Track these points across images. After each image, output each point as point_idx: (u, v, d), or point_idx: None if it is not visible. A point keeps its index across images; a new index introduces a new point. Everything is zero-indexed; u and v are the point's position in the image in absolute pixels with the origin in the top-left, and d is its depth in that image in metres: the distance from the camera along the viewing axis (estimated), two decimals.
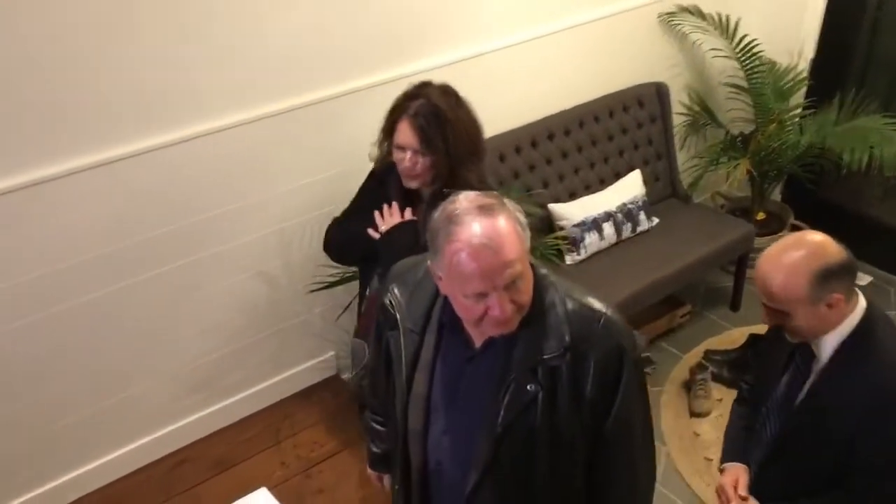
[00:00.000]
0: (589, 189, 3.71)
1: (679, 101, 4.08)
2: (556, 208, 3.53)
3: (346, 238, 2.54)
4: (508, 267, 1.51)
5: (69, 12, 2.38)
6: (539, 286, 1.64)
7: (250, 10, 2.70)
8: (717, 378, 3.51)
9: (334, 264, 3.20)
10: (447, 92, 2.34)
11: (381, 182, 2.51)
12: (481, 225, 1.51)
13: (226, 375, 3.28)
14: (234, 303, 3.16)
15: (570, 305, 1.64)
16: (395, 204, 2.41)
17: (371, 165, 2.58)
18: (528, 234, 1.58)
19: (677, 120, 4.06)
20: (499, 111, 3.37)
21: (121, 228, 2.75)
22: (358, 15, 2.95)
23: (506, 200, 1.59)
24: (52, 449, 2.95)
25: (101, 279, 2.78)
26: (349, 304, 3.28)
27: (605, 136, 3.75)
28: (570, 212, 3.52)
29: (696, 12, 3.84)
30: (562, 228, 3.50)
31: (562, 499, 1.73)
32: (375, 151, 2.50)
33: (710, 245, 3.65)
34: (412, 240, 2.30)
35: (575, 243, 3.49)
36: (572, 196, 3.64)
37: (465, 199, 1.56)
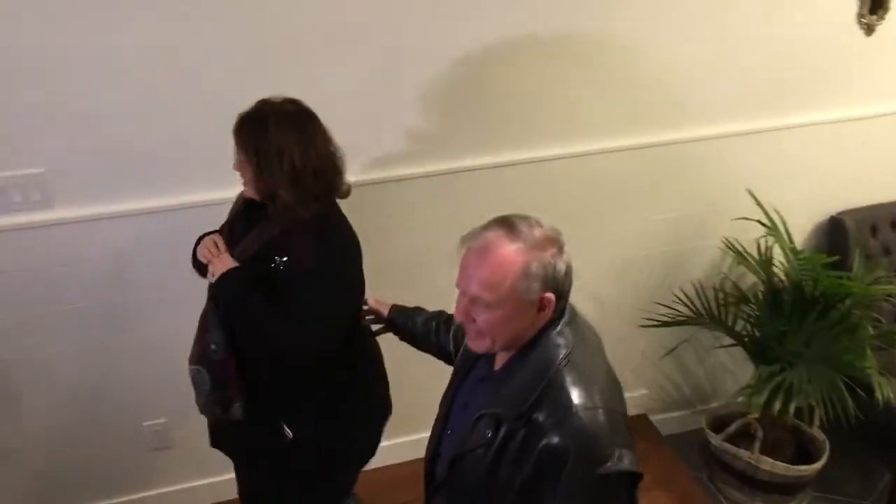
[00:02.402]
0: None
1: None
2: None
3: (193, 250, 2.36)
4: (475, 285, 1.57)
5: None
6: (542, 345, 1.62)
7: (645, 41, 2.75)
8: None
9: (670, 303, 3.14)
10: (288, 112, 2.07)
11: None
12: (492, 235, 1.58)
13: None
14: None
15: (559, 381, 1.58)
16: (218, 240, 2.24)
17: None
18: (533, 285, 1.56)
19: None
20: (877, 179, 3.09)
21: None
22: (744, 57, 2.88)
23: (548, 248, 1.59)
24: None
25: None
26: (672, 349, 3.19)
27: None
28: None
29: None
30: None
31: None
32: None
33: None
34: (238, 290, 2.12)
35: None
36: None
37: (518, 220, 1.61)
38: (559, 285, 1.62)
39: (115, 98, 2.38)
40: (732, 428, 3.18)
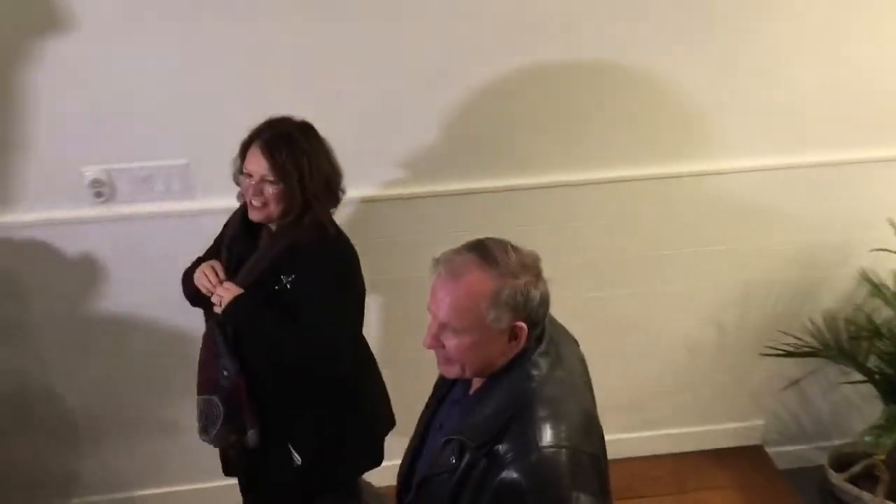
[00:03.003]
0: None
1: None
2: None
3: (184, 278, 2.32)
4: (444, 311, 1.54)
5: None
6: (513, 376, 1.59)
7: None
8: None
9: (794, 331, 3.03)
10: (306, 126, 2.15)
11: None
12: (464, 260, 1.54)
13: (650, 407, 3.28)
14: (681, 341, 3.14)
15: (526, 415, 1.54)
16: (217, 266, 2.19)
17: None
18: (503, 314, 1.52)
19: None
20: None
21: (612, 242, 2.90)
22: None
23: (521, 276, 1.53)
24: None
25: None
26: (795, 381, 3.06)
27: None
28: None
29: None
30: None
31: None
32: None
33: None
34: (250, 314, 2.12)
35: None
36: None
37: (493, 244, 1.57)
38: (532, 314, 1.56)
39: (259, 96, 2.48)
40: (857, 468, 3.04)
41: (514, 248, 1.58)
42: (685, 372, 3.21)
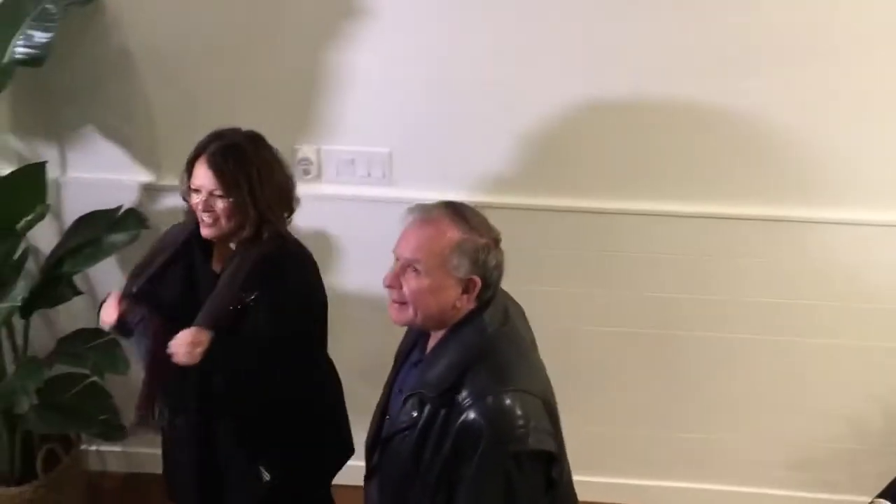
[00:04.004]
0: None
1: None
2: None
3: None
4: (411, 249, 1.70)
5: None
6: (466, 330, 1.72)
7: None
8: None
9: None
10: (255, 136, 2.09)
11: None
12: (438, 212, 1.72)
13: (826, 468, 3.07)
14: (871, 404, 2.92)
15: (480, 364, 1.67)
16: (197, 333, 1.98)
17: None
18: (463, 262, 1.67)
19: None
20: None
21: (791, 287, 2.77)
22: None
23: (484, 237, 1.70)
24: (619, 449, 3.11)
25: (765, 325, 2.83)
26: None
27: None
28: None
29: None
30: None
31: None
32: None
33: None
34: (235, 353, 2.03)
35: None
36: None
37: (464, 207, 1.77)
38: (487, 273, 1.71)
39: (460, 95, 2.55)
40: None
41: (482, 215, 1.77)
42: (879, 436, 2.97)
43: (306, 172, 2.70)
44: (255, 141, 2.08)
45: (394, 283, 1.74)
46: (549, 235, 2.75)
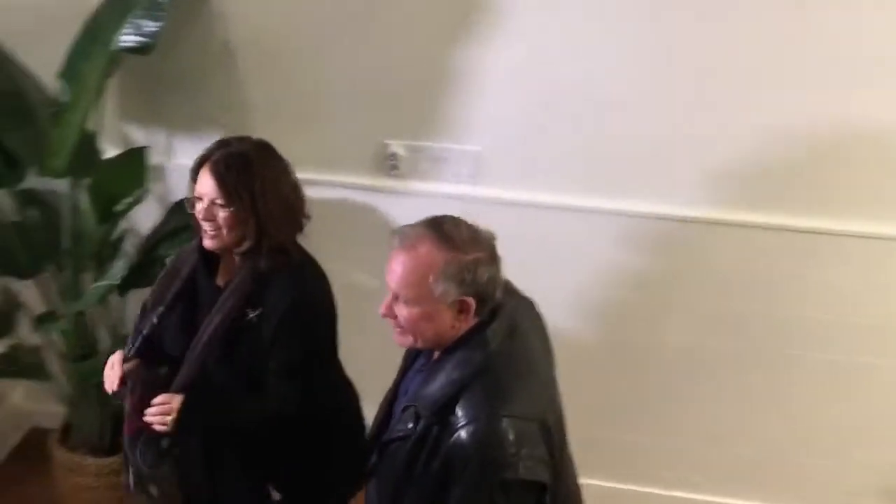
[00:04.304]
0: None
1: None
2: None
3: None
4: (396, 281, 1.66)
5: None
6: (467, 347, 1.66)
7: None
8: None
9: None
10: (263, 145, 2.00)
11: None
12: (417, 234, 1.64)
13: None
14: None
15: (477, 385, 1.62)
16: (170, 398, 1.95)
17: None
18: (449, 287, 1.60)
19: None
20: None
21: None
22: None
23: (471, 253, 1.62)
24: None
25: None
26: None
27: None
28: None
29: None
30: None
31: None
32: None
33: None
34: (212, 407, 2.00)
35: None
36: None
37: (446, 221, 1.68)
38: (480, 290, 1.64)
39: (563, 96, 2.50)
40: None
41: (468, 226, 1.68)
42: None
43: (394, 168, 2.71)
44: (262, 151, 2.01)
45: (388, 312, 1.72)
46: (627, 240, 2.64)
